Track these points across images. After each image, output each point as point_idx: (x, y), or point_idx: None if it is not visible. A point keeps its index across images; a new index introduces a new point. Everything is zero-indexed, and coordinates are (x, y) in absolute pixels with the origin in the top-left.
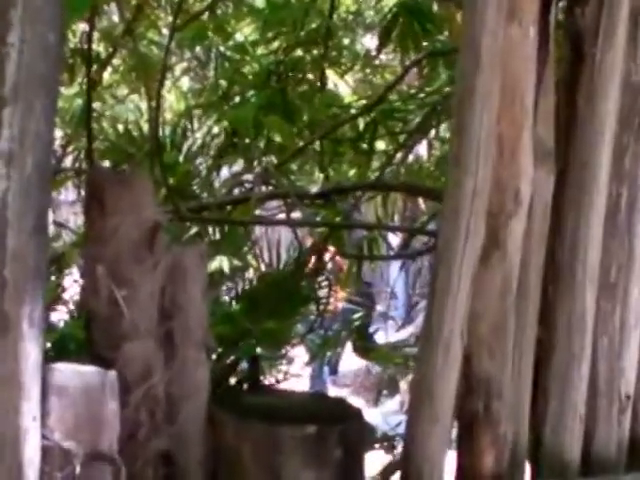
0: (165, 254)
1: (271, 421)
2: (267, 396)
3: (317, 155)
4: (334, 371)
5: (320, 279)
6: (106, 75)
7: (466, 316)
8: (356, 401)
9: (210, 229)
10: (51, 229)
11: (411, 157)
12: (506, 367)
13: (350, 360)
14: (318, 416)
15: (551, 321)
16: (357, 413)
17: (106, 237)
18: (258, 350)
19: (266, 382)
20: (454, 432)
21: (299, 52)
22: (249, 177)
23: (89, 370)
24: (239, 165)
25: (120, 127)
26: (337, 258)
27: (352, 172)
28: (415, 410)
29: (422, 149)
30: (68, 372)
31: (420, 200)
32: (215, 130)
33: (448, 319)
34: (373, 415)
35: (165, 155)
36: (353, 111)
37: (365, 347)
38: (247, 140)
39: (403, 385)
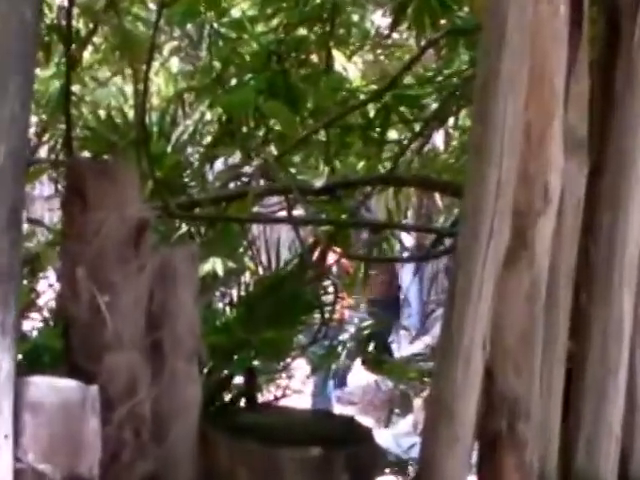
0: (152, 255)
1: (270, 442)
2: (265, 414)
3: (322, 145)
4: (342, 383)
5: (325, 283)
6: (86, 55)
7: (489, 326)
8: (364, 421)
9: (202, 228)
10: (24, 227)
11: (427, 148)
12: (533, 383)
13: (358, 375)
14: (323, 437)
15: (584, 330)
16: (367, 434)
17: (87, 236)
18: (255, 363)
19: (264, 399)
20: (474, 455)
21: (302, 30)
22: (246, 170)
23: (67, 384)
24: (235, 156)
25: (102, 113)
26: (344, 260)
27: (361, 164)
28: (431, 430)
29: (439, 139)
30: (44, 386)
31: (437, 196)
32: (208, 117)
33: (468, 329)
34: (383, 436)
35: (152, 145)
36: (362, 96)
37: (376, 360)
38: (244, 128)
39: (417, 403)
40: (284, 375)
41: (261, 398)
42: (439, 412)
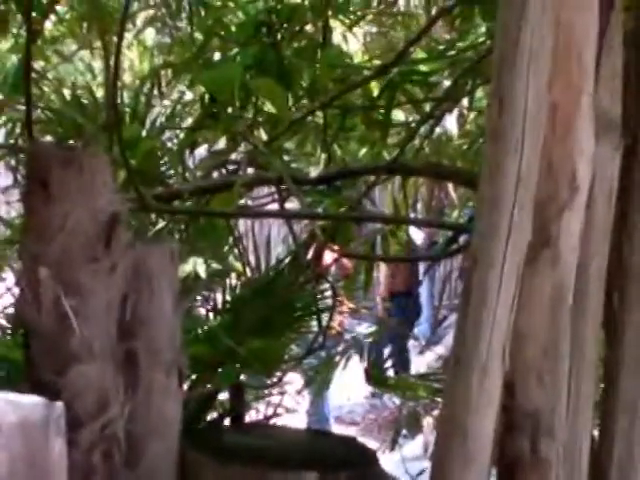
0: (126, 253)
1: (260, 466)
2: (254, 434)
3: (319, 129)
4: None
5: (322, 287)
6: (49, 25)
7: (508, 333)
8: (367, 443)
9: (182, 223)
10: None
11: (438, 131)
12: (559, 397)
13: (360, 391)
14: (320, 459)
15: (617, 337)
16: (370, 456)
17: (50, 231)
18: (243, 377)
19: (253, 418)
20: (492, 478)
21: None
22: (232, 157)
23: (28, 401)
24: (219, 142)
25: (67, 92)
26: (344, 260)
27: (363, 151)
28: (443, 450)
29: (452, 121)
30: (1, 403)
31: (450, 186)
32: (188, 97)
33: (485, 337)
34: (389, 461)
35: (125, 128)
36: (365, 73)
37: (380, 377)
38: (229, 110)
39: (427, 423)
40: (275, 391)
41: (249, 417)
42: (452, 430)
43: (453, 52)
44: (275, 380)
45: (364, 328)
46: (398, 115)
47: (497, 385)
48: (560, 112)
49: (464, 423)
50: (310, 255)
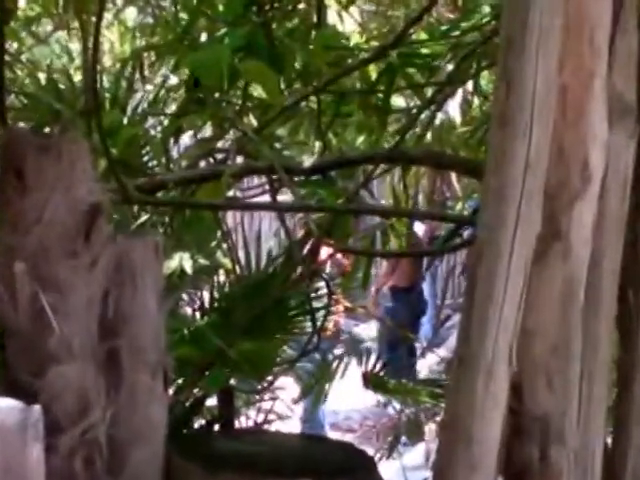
0: (107, 247)
1: (250, 474)
2: (245, 440)
3: (313, 115)
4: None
5: (317, 285)
6: (23, 5)
7: (515, 333)
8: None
9: (167, 216)
10: None
11: (441, 118)
12: (570, 400)
13: (357, 396)
14: (314, 466)
15: (632, 337)
16: (367, 462)
17: (27, 223)
18: (232, 381)
19: (243, 424)
20: None
21: None
22: (220, 145)
23: (3, 404)
24: (206, 129)
25: (42, 76)
26: (340, 256)
27: (361, 139)
28: (447, 457)
29: (455, 107)
30: None
31: (453, 176)
32: (173, 81)
33: (491, 337)
34: (389, 470)
35: (105, 115)
36: (362, 55)
37: (379, 380)
38: (217, 95)
39: (429, 430)
40: (267, 396)
41: (239, 424)
42: (456, 436)
43: (456, 33)
44: (266, 384)
45: (361, 329)
46: (398, 101)
47: (504, 387)
48: (571, 96)
49: (468, 428)
50: (305, 251)
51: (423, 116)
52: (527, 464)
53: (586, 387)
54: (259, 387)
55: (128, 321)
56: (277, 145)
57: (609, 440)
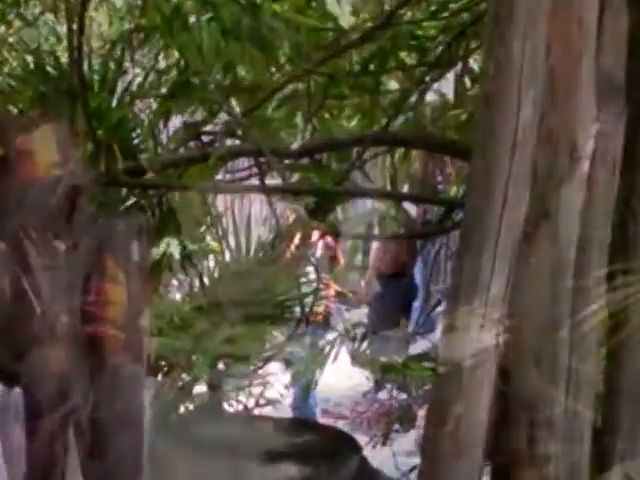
0: (89, 230)
1: (236, 457)
2: (232, 426)
3: (302, 98)
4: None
5: (306, 269)
6: None
7: (503, 314)
8: (357, 438)
9: (155, 199)
10: None
11: (434, 99)
12: (558, 383)
13: (348, 382)
14: (301, 452)
15: (621, 318)
16: (354, 448)
17: (9, 205)
18: (220, 366)
19: (231, 409)
20: (485, 474)
21: None
22: (208, 128)
23: None
24: (195, 112)
25: (30, 58)
26: (328, 239)
27: (353, 122)
28: (433, 443)
29: (448, 87)
30: None
31: (446, 159)
32: (161, 64)
33: (477, 318)
34: (380, 456)
35: (92, 97)
36: (353, 37)
37: (367, 358)
38: (206, 77)
39: (421, 417)
40: (256, 381)
41: (228, 409)
42: (442, 421)
43: (447, 13)
44: (255, 369)
45: (353, 314)
46: (389, 82)
47: (491, 372)
48: (558, 76)
49: (454, 413)
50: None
51: (413, 98)
52: (515, 450)
53: (575, 368)
54: (248, 372)
55: (112, 305)
56: (266, 128)
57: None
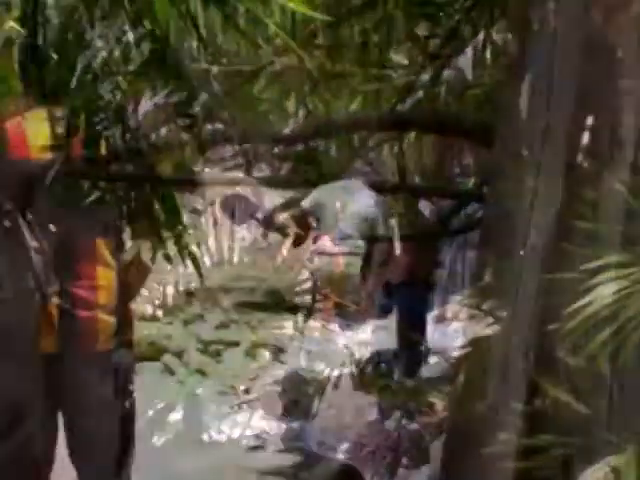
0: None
1: None
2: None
3: (295, 75)
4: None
5: (302, 277)
6: None
7: (534, 323)
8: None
9: (122, 192)
10: None
11: (447, 75)
12: (601, 403)
13: (350, 412)
14: None
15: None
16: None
17: None
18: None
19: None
20: None
21: None
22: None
23: None
24: (169, 91)
25: None
26: (326, 242)
27: (355, 104)
28: (454, 463)
29: (468, 65)
30: None
31: (464, 145)
32: (130, 36)
33: (504, 329)
34: None
35: (48, 73)
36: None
37: (373, 380)
38: (182, 50)
39: (435, 449)
40: (245, 406)
41: (208, 437)
42: (462, 444)
43: None
44: (242, 392)
45: (356, 332)
46: (397, 57)
47: (520, 388)
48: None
49: (479, 432)
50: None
51: (426, 77)
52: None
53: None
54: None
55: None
56: (253, 110)
57: None
